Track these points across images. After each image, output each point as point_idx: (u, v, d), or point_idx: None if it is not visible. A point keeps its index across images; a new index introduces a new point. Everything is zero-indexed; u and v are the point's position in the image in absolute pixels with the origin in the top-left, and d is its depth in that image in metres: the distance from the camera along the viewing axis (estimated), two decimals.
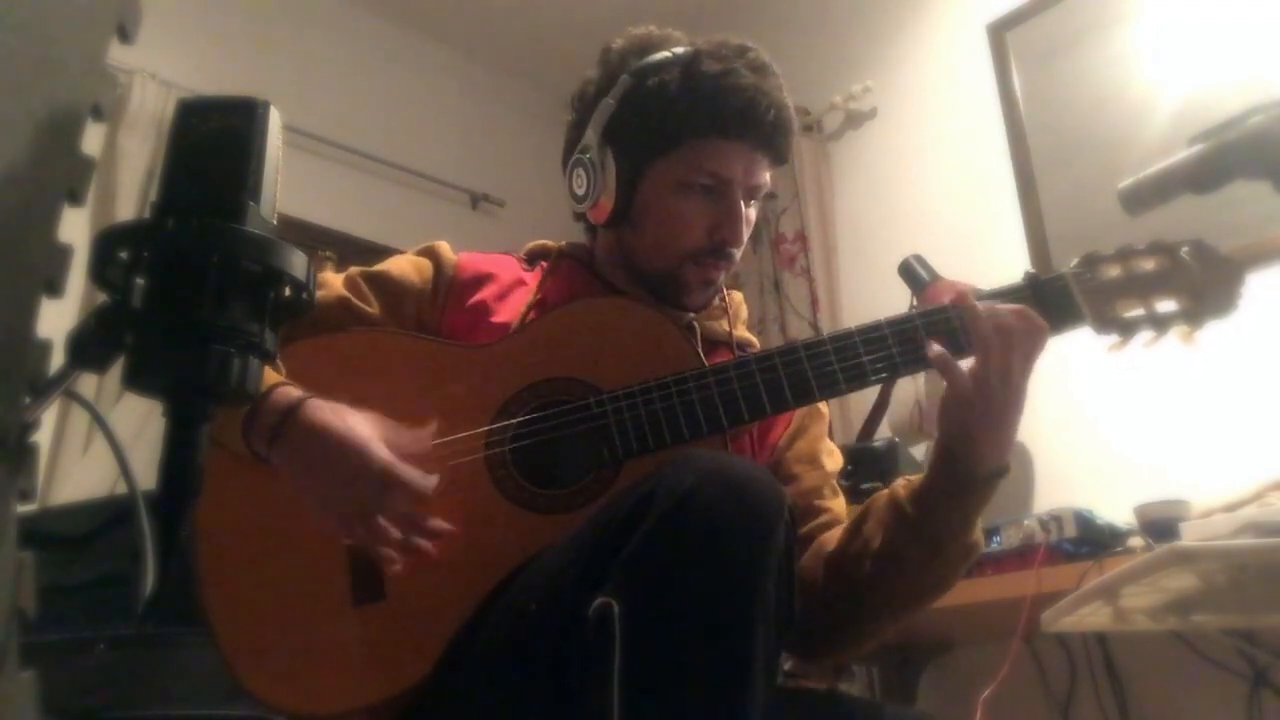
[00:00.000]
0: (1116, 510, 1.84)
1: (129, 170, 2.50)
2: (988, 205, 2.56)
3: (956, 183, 2.65)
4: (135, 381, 0.48)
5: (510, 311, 1.12)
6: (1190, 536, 1.49)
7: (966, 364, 0.96)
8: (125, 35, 0.49)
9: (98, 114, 0.47)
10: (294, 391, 0.97)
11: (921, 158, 2.76)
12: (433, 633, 0.94)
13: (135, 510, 0.51)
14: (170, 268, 0.49)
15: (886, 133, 2.88)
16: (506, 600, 0.93)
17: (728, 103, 1.06)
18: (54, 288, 0.44)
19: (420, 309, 1.13)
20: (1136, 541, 1.73)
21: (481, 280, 1.15)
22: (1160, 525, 1.69)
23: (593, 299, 1.13)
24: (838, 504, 1.14)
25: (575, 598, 0.80)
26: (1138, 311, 0.99)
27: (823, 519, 1.10)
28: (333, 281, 1.14)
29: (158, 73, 2.60)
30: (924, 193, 2.72)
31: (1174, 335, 0.99)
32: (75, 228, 0.44)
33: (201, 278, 0.49)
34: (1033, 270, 1.03)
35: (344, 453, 0.93)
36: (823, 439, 1.18)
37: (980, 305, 0.96)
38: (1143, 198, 1.01)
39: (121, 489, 1.96)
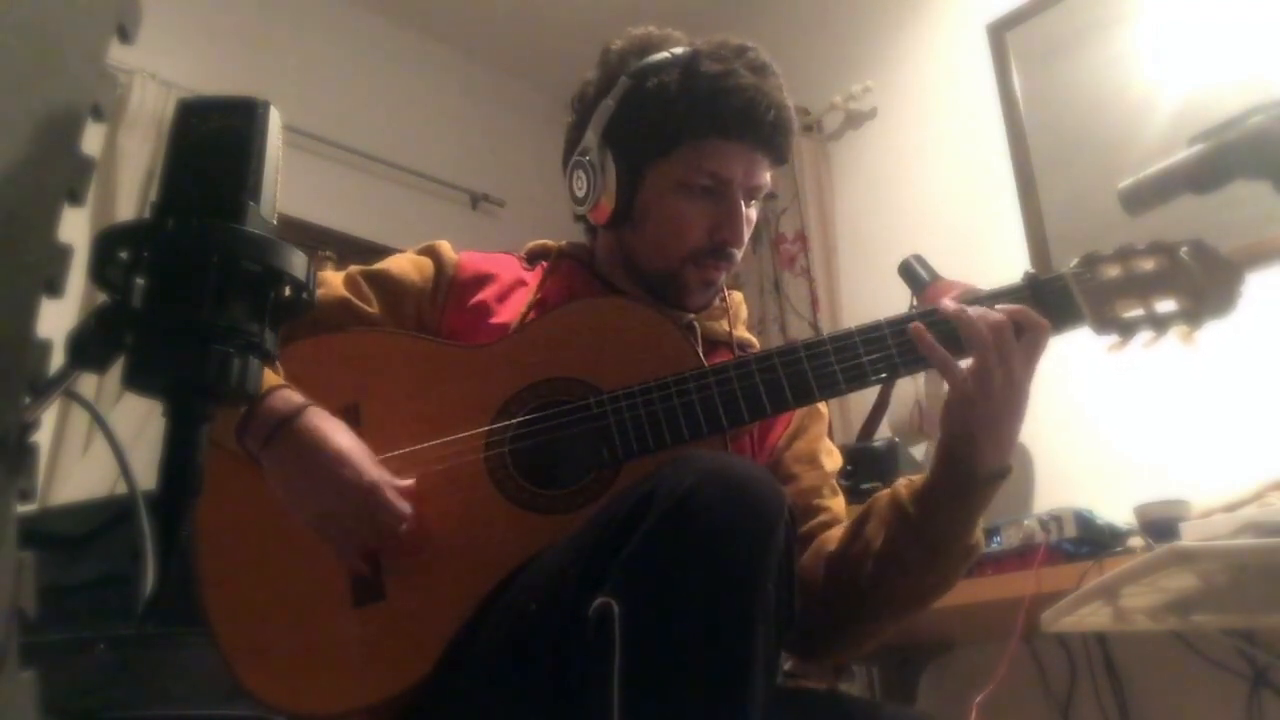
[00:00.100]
0: (1116, 510, 1.84)
1: (129, 170, 2.50)
2: (988, 205, 2.56)
3: (956, 183, 2.65)
4: (135, 381, 0.48)
5: (510, 311, 1.12)
6: (1190, 536, 1.49)
7: (968, 363, 0.96)
8: (125, 35, 0.49)
9: (98, 114, 0.47)
10: (295, 397, 0.97)
11: (921, 158, 2.76)
12: (433, 633, 0.94)
13: (135, 510, 0.51)
14: (170, 268, 0.49)
15: (886, 133, 2.88)
16: (506, 600, 0.93)
17: (727, 103, 1.05)
18: (54, 288, 0.44)
19: (420, 308, 1.13)
20: (1136, 541, 1.73)
21: (482, 280, 1.15)
22: (1160, 525, 1.69)
23: (593, 299, 1.13)
24: (837, 503, 1.14)
25: (575, 598, 0.80)
26: (1137, 311, 0.99)
27: (822, 518, 1.11)
28: (333, 281, 1.14)
29: (158, 73, 2.60)
30: (924, 193, 2.72)
31: (1173, 335, 0.99)
32: (75, 228, 0.44)
33: (201, 278, 0.49)
34: (1032, 270, 1.03)
35: (335, 465, 0.94)
36: (822, 439, 1.18)
37: (978, 307, 0.96)
38: (1143, 198, 1.01)
39: (121, 489, 1.96)
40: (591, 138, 1.10)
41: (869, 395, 2.33)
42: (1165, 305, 0.98)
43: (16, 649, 0.41)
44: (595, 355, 1.04)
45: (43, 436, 1.04)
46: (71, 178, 0.46)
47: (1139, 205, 1.01)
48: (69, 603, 1.47)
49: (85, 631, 1.42)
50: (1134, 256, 0.99)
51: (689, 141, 1.07)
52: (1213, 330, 0.98)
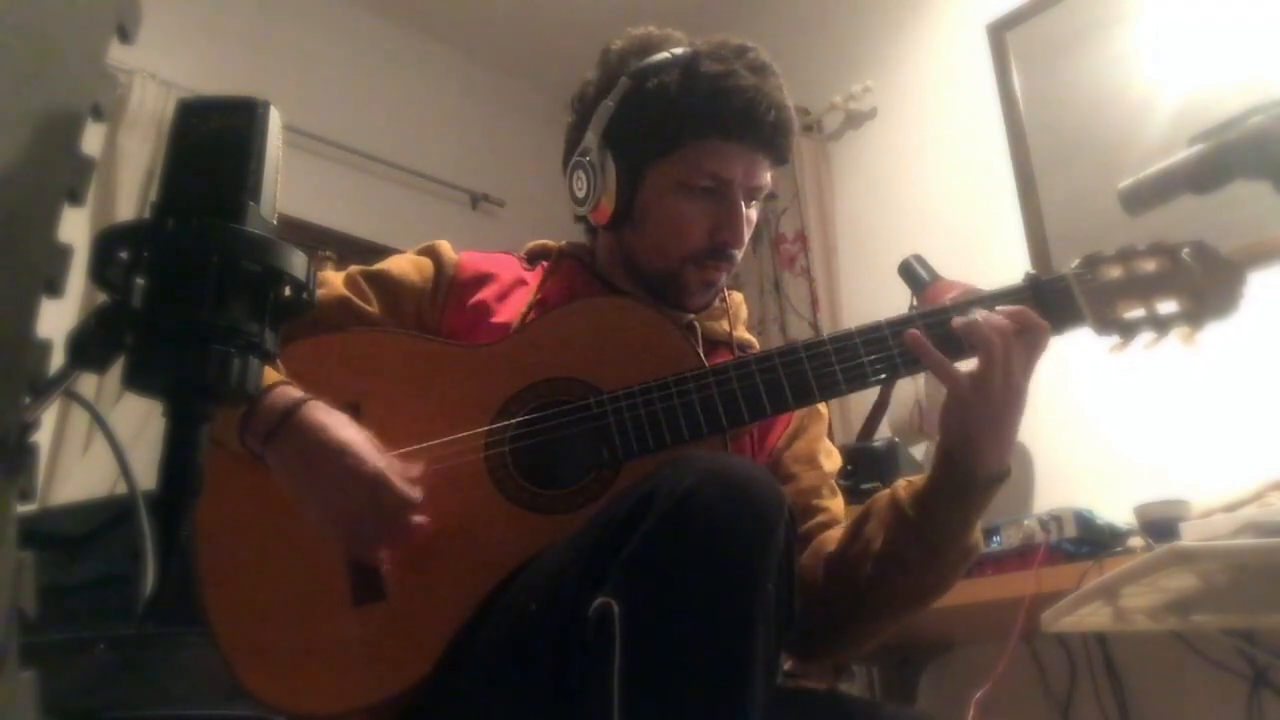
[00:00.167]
0: (1116, 510, 1.84)
1: (129, 170, 2.50)
2: (988, 205, 2.56)
3: (956, 183, 2.65)
4: (135, 381, 0.48)
5: (510, 311, 1.12)
6: (1190, 536, 1.49)
7: (970, 365, 0.96)
8: (125, 35, 0.49)
9: (98, 114, 0.47)
10: (294, 392, 0.97)
11: (921, 158, 2.76)
12: (433, 632, 0.94)
13: (135, 510, 0.51)
14: (170, 268, 0.49)
15: (886, 133, 2.88)
16: (506, 600, 0.93)
17: (728, 103, 1.05)
18: (54, 288, 0.44)
19: (420, 308, 1.13)
20: (1136, 541, 1.73)
21: (482, 280, 1.15)
22: (1160, 525, 1.69)
23: (593, 299, 1.13)
24: (835, 504, 1.14)
25: (575, 598, 0.80)
26: (1139, 313, 0.99)
27: (820, 518, 1.11)
28: (333, 280, 1.14)
29: (158, 73, 2.60)
30: (924, 193, 2.72)
31: (1175, 337, 0.99)
32: (75, 228, 0.44)
33: (201, 278, 0.49)
34: (1033, 271, 1.03)
35: (339, 456, 0.94)
36: (821, 439, 1.18)
37: (980, 310, 0.96)
38: (1143, 198, 1.01)
39: (121, 489, 1.96)
40: (591, 138, 1.10)
41: (869, 395, 2.33)
42: (1167, 306, 0.98)
43: (16, 649, 0.41)
44: (595, 355, 1.04)
45: (43, 436, 1.04)
46: (71, 178, 0.46)
47: (1139, 205, 1.01)
48: (69, 603, 1.47)
49: (85, 631, 1.42)
50: (1135, 257, 0.99)
51: (689, 142, 1.07)
52: (1213, 330, 0.98)
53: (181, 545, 0.49)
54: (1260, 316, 1.74)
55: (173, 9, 2.69)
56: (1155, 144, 2.21)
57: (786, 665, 1.73)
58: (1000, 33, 2.63)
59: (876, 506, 1.03)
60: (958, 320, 0.97)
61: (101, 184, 2.47)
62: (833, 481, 1.16)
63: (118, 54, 0.60)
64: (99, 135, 2.46)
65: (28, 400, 0.44)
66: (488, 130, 3.49)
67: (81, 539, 1.58)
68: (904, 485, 1.01)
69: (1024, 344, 0.94)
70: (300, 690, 0.96)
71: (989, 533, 1.83)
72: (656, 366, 1.01)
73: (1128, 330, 0.99)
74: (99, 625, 1.44)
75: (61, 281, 0.44)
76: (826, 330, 2.64)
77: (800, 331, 2.74)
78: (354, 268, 1.16)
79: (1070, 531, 1.74)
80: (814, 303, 2.77)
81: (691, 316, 1.14)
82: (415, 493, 0.96)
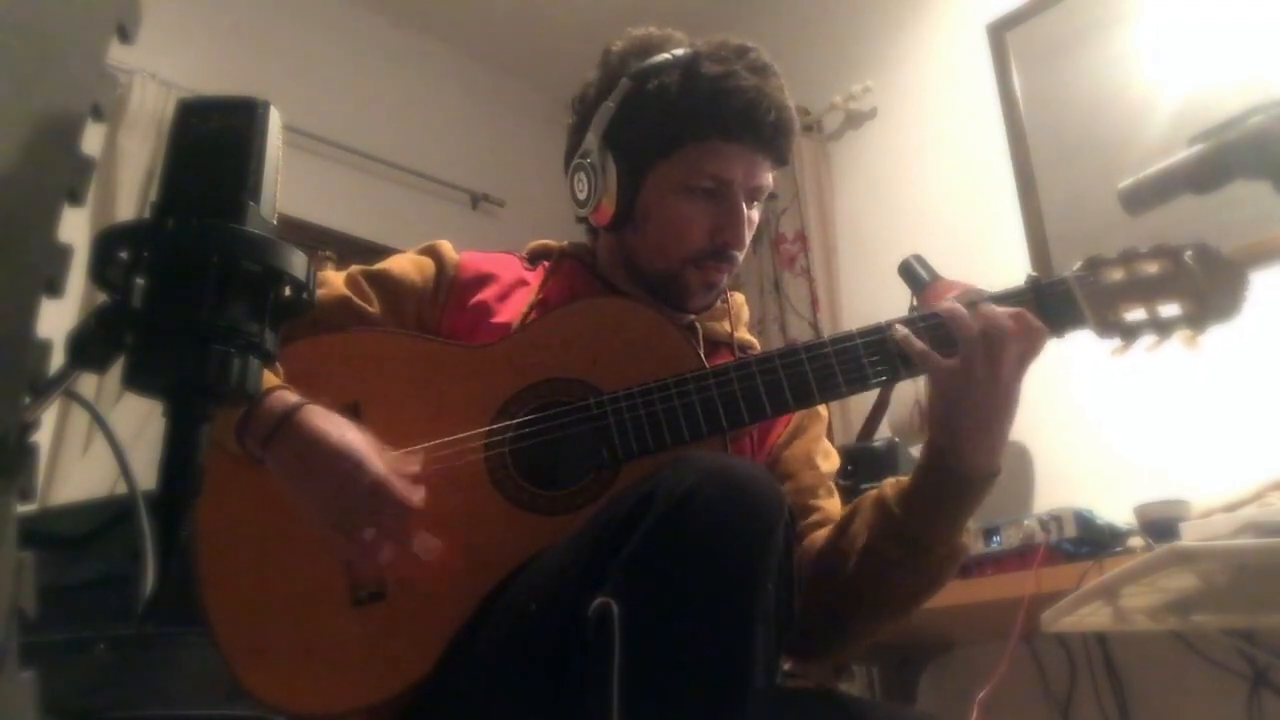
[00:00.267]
0: (1116, 510, 1.84)
1: (129, 170, 2.50)
2: (988, 205, 2.56)
3: (956, 183, 2.65)
4: (135, 381, 0.48)
5: (511, 312, 1.12)
6: (1190, 536, 1.49)
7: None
8: (125, 35, 0.49)
9: (98, 114, 0.47)
10: (291, 396, 0.97)
11: (921, 158, 2.76)
12: (432, 632, 0.94)
13: (135, 510, 0.51)
14: (170, 268, 0.49)
15: (886, 133, 2.88)
16: (506, 600, 0.93)
17: (728, 104, 1.05)
18: (54, 288, 0.44)
19: (421, 308, 1.13)
20: (1136, 541, 1.73)
21: (483, 280, 1.15)
22: (1160, 525, 1.69)
23: (594, 299, 1.13)
24: (831, 504, 1.13)
25: (575, 598, 0.80)
26: (1140, 315, 0.98)
27: (814, 517, 1.10)
28: (333, 280, 1.14)
29: (158, 73, 2.60)
30: (924, 193, 2.72)
31: (1177, 339, 0.98)
32: (75, 228, 0.44)
33: (201, 278, 0.49)
34: (1035, 273, 1.03)
35: (337, 461, 0.94)
36: (820, 440, 1.18)
37: (977, 313, 0.96)
38: (1143, 198, 1.01)
39: (121, 489, 1.96)
40: (592, 139, 1.10)
41: (869, 395, 2.33)
42: (1169, 309, 0.98)
43: (16, 649, 0.41)
44: (596, 356, 1.04)
45: (43, 436, 1.04)
46: (71, 178, 0.46)
47: (1139, 205, 1.01)
48: (69, 603, 1.47)
49: (85, 631, 1.42)
50: (1137, 260, 0.99)
51: (690, 143, 1.07)
52: (1213, 332, 0.98)
53: (181, 545, 0.49)
54: (1260, 317, 1.73)
55: (173, 9, 2.69)
56: (1155, 144, 2.21)
57: (786, 665, 1.73)
58: (1000, 33, 2.63)
59: (863, 504, 1.02)
60: (943, 306, 0.96)
61: (101, 184, 2.47)
62: (830, 482, 1.16)
63: (118, 54, 0.60)
64: (99, 135, 2.46)
65: (28, 400, 0.44)
66: (488, 130, 3.49)
67: (81, 539, 1.58)
68: (892, 483, 1.01)
69: (1017, 346, 0.93)
70: (300, 690, 0.96)
71: (989, 532, 1.83)
72: (657, 367, 1.01)
73: (1129, 333, 0.99)
74: (99, 625, 1.43)
75: (61, 281, 0.44)
76: (826, 330, 2.65)
77: (800, 331, 2.74)
78: (355, 267, 1.16)
79: (1070, 531, 1.74)
80: (814, 303, 2.77)
81: (692, 317, 1.14)
82: (417, 497, 0.95)
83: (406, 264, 1.15)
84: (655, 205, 1.10)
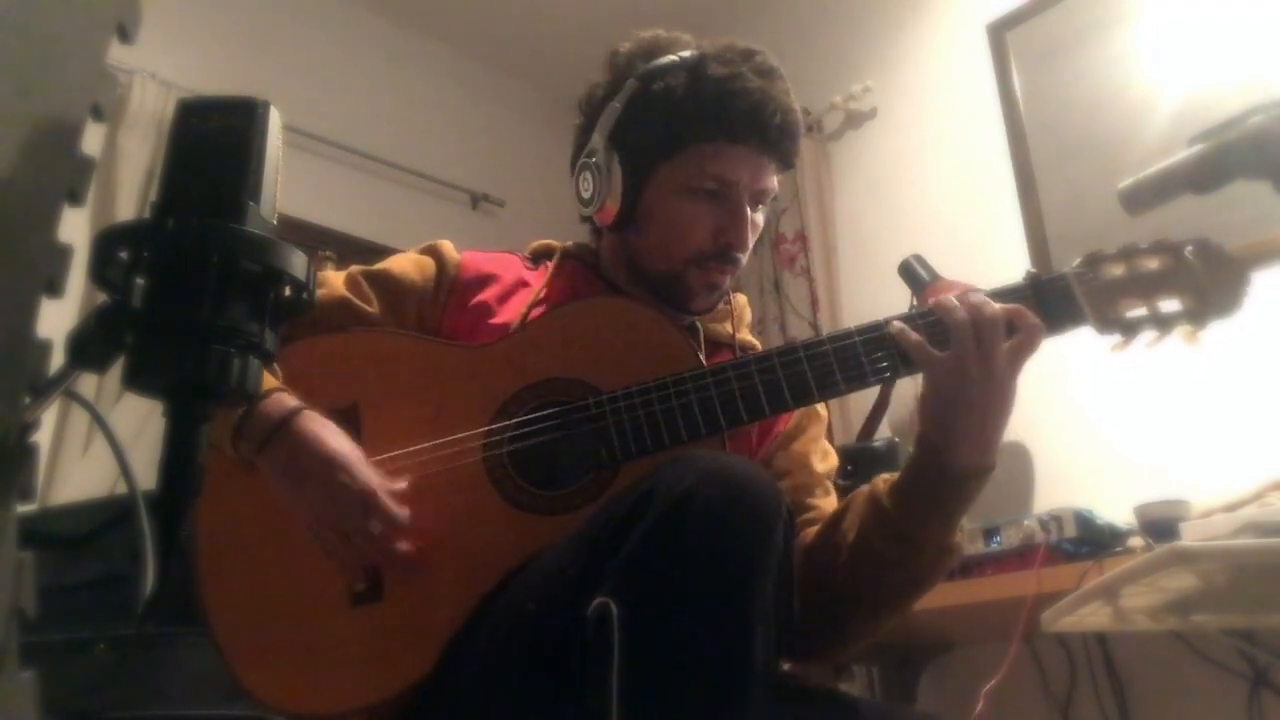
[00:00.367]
0: (1116, 510, 1.84)
1: (129, 170, 2.50)
2: (988, 205, 2.56)
3: (956, 183, 2.65)
4: (135, 381, 0.48)
5: (512, 312, 1.12)
6: (1190, 536, 1.49)
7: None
8: (125, 35, 0.49)
9: (98, 114, 0.47)
10: (289, 400, 0.97)
11: (921, 158, 2.76)
12: (432, 633, 0.94)
13: (135, 510, 0.51)
14: (170, 268, 0.49)
15: (886, 133, 2.88)
16: (505, 600, 0.93)
17: (734, 106, 1.05)
18: (54, 288, 0.44)
19: (421, 308, 1.13)
20: (1136, 541, 1.73)
21: (484, 280, 1.15)
22: (1160, 525, 1.69)
23: (594, 299, 1.13)
24: (828, 503, 1.13)
25: (574, 598, 0.80)
26: (1140, 311, 0.98)
27: (809, 515, 1.10)
28: (333, 280, 1.14)
29: (158, 73, 2.60)
30: (924, 193, 2.72)
31: (1177, 335, 0.98)
32: (75, 228, 0.44)
33: (201, 278, 0.49)
34: (1034, 270, 1.03)
35: (330, 470, 0.94)
36: (819, 440, 1.18)
37: (966, 302, 0.95)
38: (1143, 198, 1.01)
39: (121, 489, 1.96)
40: (598, 140, 1.10)
41: (869, 395, 2.33)
42: (1169, 305, 0.97)
43: (16, 649, 0.41)
44: (595, 356, 1.04)
45: (43, 436, 1.04)
46: (71, 178, 0.46)
47: (1139, 205, 1.01)
48: (69, 603, 1.47)
49: (85, 631, 1.42)
50: (1138, 256, 0.99)
51: (694, 145, 1.07)
52: (1213, 330, 0.98)
53: (181, 545, 0.49)
54: (1260, 316, 1.74)
55: (173, 9, 2.69)
56: (1155, 144, 2.21)
57: (786, 665, 1.73)
58: (1000, 33, 2.63)
59: (856, 500, 1.02)
60: (935, 299, 0.96)
61: (101, 184, 2.46)
62: (828, 482, 1.16)
63: (118, 54, 0.60)
64: (99, 135, 2.46)
65: (28, 400, 0.44)
66: (488, 130, 3.49)
67: (81, 539, 1.58)
68: (884, 479, 1.00)
69: (1013, 341, 0.93)
70: (299, 690, 0.96)
71: (989, 533, 1.83)
72: (656, 367, 1.01)
73: (1129, 329, 0.98)
74: (99, 625, 1.44)
75: (61, 281, 0.44)
76: (826, 330, 2.64)
77: (800, 331, 2.74)
78: (355, 267, 1.16)
79: (1070, 531, 1.74)
80: (814, 303, 2.77)
81: (694, 317, 1.14)
82: (404, 512, 0.96)
83: (407, 264, 1.15)
84: (659, 205, 1.10)
